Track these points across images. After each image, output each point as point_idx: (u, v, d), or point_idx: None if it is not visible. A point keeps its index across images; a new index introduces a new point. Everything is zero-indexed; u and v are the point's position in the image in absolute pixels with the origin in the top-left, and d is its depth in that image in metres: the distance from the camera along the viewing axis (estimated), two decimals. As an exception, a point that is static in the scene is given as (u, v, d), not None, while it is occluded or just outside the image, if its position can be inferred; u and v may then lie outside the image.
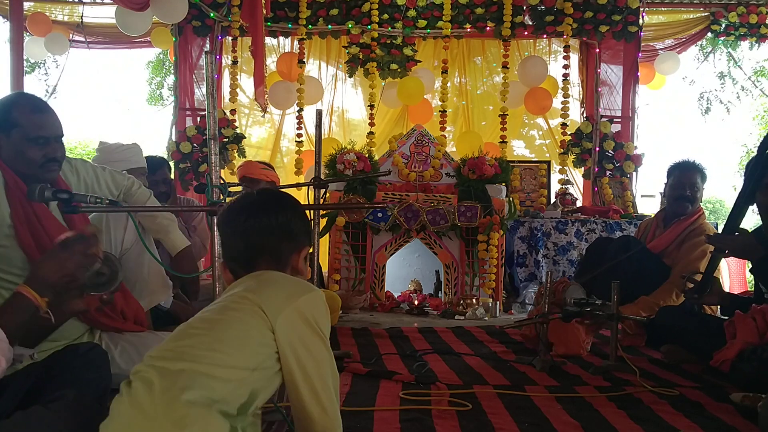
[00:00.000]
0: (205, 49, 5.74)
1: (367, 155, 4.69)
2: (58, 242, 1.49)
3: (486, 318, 4.20)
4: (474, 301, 4.29)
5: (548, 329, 2.84)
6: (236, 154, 5.66)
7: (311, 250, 3.19)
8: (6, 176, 1.98)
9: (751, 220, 2.97)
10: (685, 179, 3.46)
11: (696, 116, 10.85)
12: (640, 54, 5.91)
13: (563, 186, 5.60)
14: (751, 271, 2.80)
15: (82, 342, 1.67)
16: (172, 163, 5.05)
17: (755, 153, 2.76)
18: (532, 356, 2.83)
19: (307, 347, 1.28)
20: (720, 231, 2.94)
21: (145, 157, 3.72)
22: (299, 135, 5.81)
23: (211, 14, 5.65)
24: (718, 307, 3.08)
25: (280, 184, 4.45)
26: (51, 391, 1.37)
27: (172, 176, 3.95)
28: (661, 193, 5.43)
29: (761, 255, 2.64)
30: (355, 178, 4.45)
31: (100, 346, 1.68)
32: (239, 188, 2.68)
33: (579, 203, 5.58)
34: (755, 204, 2.68)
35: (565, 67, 5.81)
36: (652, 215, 5.19)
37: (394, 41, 5.80)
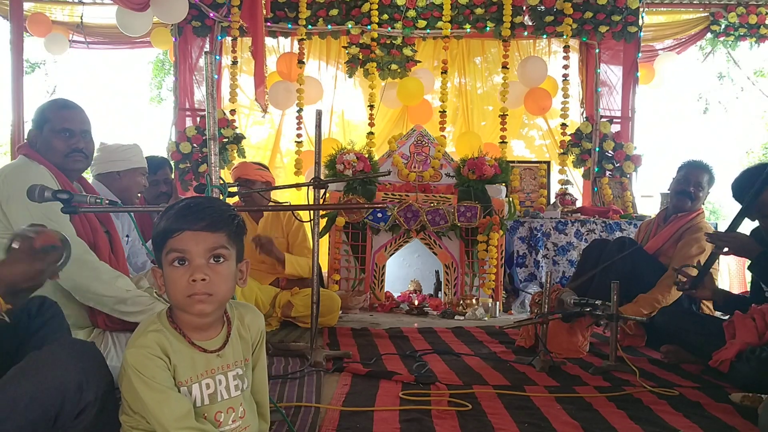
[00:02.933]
0: (205, 50, 5.74)
1: (366, 155, 4.69)
2: (29, 248, 1.45)
3: (486, 318, 4.20)
4: (474, 301, 4.29)
5: (546, 337, 2.84)
6: (236, 155, 5.66)
7: (319, 246, 3.19)
8: (54, 174, 2.19)
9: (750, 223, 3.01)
10: (691, 176, 3.47)
11: (696, 116, 10.84)
12: (639, 54, 5.91)
13: (563, 186, 5.60)
14: (749, 268, 2.81)
15: (30, 299, 1.60)
16: (172, 164, 5.03)
17: (744, 170, 2.83)
18: (532, 356, 2.84)
19: (134, 392, 1.33)
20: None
21: (146, 157, 3.72)
22: (299, 135, 5.81)
23: (211, 14, 5.64)
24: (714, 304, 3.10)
25: (280, 185, 4.45)
26: (21, 355, 1.36)
27: (173, 176, 3.93)
28: (662, 194, 5.46)
29: (759, 252, 2.66)
30: (355, 179, 4.45)
31: (48, 299, 1.67)
32: (236, 188, 2.68)
33: (579, 203, 5.58)
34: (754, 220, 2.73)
35: (565, 67, 5.80)
36: (653, 215, 5.20)
37: (393, 41, 5.80)
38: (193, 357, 1.37)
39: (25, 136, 2.34)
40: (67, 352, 1.32)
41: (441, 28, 5.75)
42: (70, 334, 1.69)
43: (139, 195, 3.22)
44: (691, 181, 3.46)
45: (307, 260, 3.74)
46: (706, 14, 6.25)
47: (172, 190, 3.72)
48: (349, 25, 5.76)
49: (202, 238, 1.32)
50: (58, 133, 2.23)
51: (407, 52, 5.81)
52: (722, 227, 3.48)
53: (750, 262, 2.79)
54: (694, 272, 2.86)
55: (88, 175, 3.10)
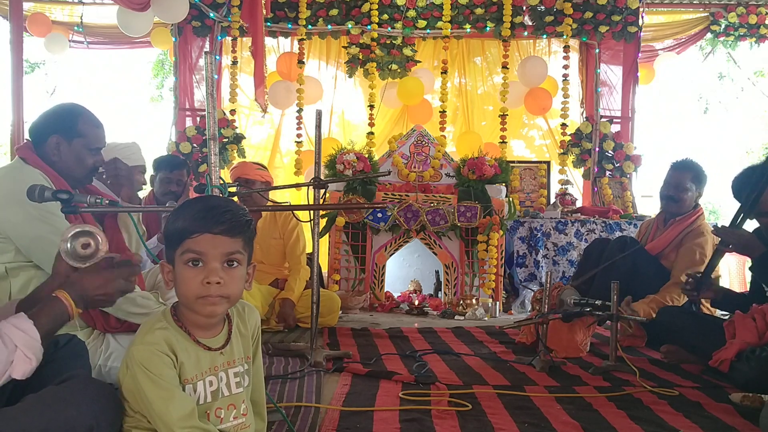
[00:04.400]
0: (205, 50, 5.74)
1: (366, 155, 4.69)
2: (106, 260, 1.50)
3: (486, 318, 4.20)
4: (474, 301, 4.29)
5: (546, 336, 2.85)
6: (236, 155, 5.66)
7: (310, 251, 3.20)
8: (51, 178, 2.14)
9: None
10: (672, 178, 3.43)
11: (696, 116, 10.84)
12: (639, 54, 5.91)
13: (563, 186, 5.60)
14: (750, 268, 2.81)
15: (60, 334, 1.67)
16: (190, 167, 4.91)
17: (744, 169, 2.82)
18: (532, 356, 2.84)
19: (137, 391, 1.33)
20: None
21: (168, 156, 3.74)
22: (299, 135, 5.81)
23: (211, 14, 5.64)
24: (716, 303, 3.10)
25: (280, 185, 4.45)
26: (39, 385, 1.37)
27: (188, 179, 3.91)
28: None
29: (762, 252, 2.66)
30: (355, 179, 4.45)
31: (77, 337, 1.69)
32: (235, 188, 2.68)
33: (579, 203, 5.58)
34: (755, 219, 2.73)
35: (565, 67, 5.80)
36: (653, 216, 5.20)
37: (393, 41, 5.80)
38: (198, 355, 1.39)
39: (27, 136, 2.31)
40: (84, 393, 1.33)
41: (441, 28, 5.75)
42: (90, 372, 1.70)
43: (143, 192, 3.23)
44: (672, 183, 3.42)
45: (301, 276, 3.76)
46: (706, 14, 6.25)
47: (183, 192, 3.72)
48: (349, 25, 5.76)
49: (220, 242, 1.33)
50: (91, 151, 2.27)
51: (407, 52, 5.81)
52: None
53: (751, 261, 2.79)
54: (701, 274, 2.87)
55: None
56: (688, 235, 3.41)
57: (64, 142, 2.20)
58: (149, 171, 3.80)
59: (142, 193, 3.90)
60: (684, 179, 3.41)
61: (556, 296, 3.07)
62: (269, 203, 3.60)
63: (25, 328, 1.34)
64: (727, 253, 3.01)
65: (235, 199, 3.81)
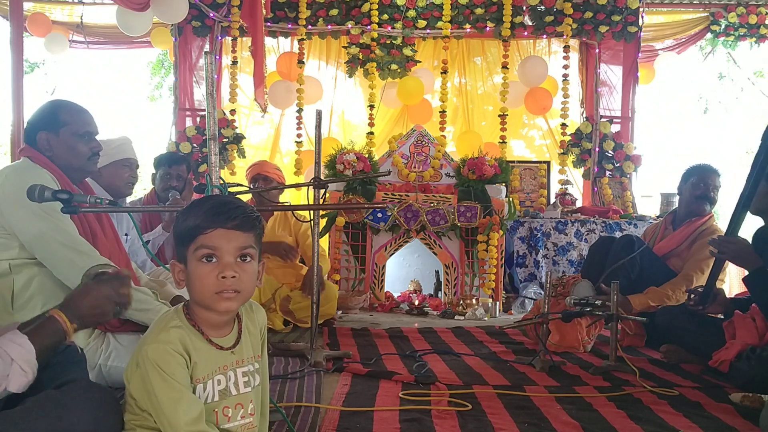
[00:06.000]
0: (205, 50, 5.74)
1: (366, 155, 4.69)
2: (95, 277, 1.56)
3: (486, 318, 4.20)
4: (474, 301, 4.29)
5: (546, 337, 2.87)
6: (236, 155, 5.67)
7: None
8: (56, 176, 2.16)
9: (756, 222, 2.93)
10: (709, 180, 3.48)
11: (696, 116, 10.82)
12: (639, 54, 5.91)
13: (563, 186, 5.60)
14: (743, 280, 2.71)
15: None
16: (191, 163, 4.91)
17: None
18: (532, 356, 2.84)
19: (146, 389, 1.34)
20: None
21: (167, 153, 3.73)
22: (299, 135, 5.81)
23: (211, 14, 5.64)
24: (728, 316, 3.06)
25: (281, 185, 4.45)
26: (37, 391, 1.38)
27: (189, 175, 3.93)
28: (662, 194, 5.44)
29: (758, 266, 2.57)
30: (355, 179, 4.45)
31: (74, 344, 1.70)
32: (239, 188, 2.68)
33: (579, 203, 5.58)
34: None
35: (565, 67, 5.80)
36: (653, 216, 5.20)
37: (393, 41, 5.80)
38: (210, 354, 1.39)
39: (24, 138, 2.33)
40: (84, 398, 1.33)
41: (441, 28, 5.75)
42: (87, 377, 1.71)
43: (143, 192, 3.23)
44: (710, 185, 3.48)
45: (324, 263, 3.84)
46: (706, 14, 6.25)
47: (184, 187, 3.73)
48: (349, 25, 5.76)
49: (234, 237, 1.35)
50: (82, 137, 2.26)
51: (407, 52, 5.81)
52: (721, 226, 3.47)
53: (746, 274, 2.71)
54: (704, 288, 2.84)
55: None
56: (702, 233, 3.42)
57: (52, 135, 2.22)
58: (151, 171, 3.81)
59: (144, 193, 3.90)
60: (717, 180, 3.50)
61: (571, 284, 3.10)
62: (271, 203, 3.64)
63: (21, 342, 1.36)
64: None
65: (249, 196, 3.88)
